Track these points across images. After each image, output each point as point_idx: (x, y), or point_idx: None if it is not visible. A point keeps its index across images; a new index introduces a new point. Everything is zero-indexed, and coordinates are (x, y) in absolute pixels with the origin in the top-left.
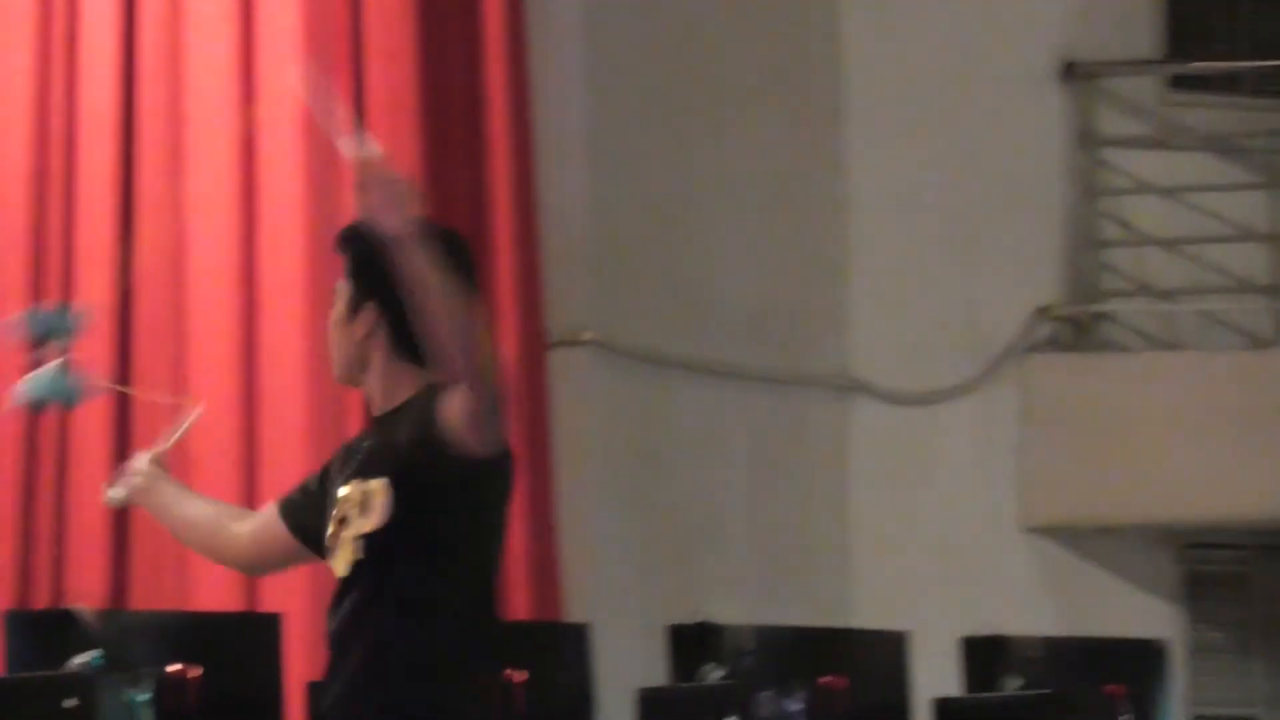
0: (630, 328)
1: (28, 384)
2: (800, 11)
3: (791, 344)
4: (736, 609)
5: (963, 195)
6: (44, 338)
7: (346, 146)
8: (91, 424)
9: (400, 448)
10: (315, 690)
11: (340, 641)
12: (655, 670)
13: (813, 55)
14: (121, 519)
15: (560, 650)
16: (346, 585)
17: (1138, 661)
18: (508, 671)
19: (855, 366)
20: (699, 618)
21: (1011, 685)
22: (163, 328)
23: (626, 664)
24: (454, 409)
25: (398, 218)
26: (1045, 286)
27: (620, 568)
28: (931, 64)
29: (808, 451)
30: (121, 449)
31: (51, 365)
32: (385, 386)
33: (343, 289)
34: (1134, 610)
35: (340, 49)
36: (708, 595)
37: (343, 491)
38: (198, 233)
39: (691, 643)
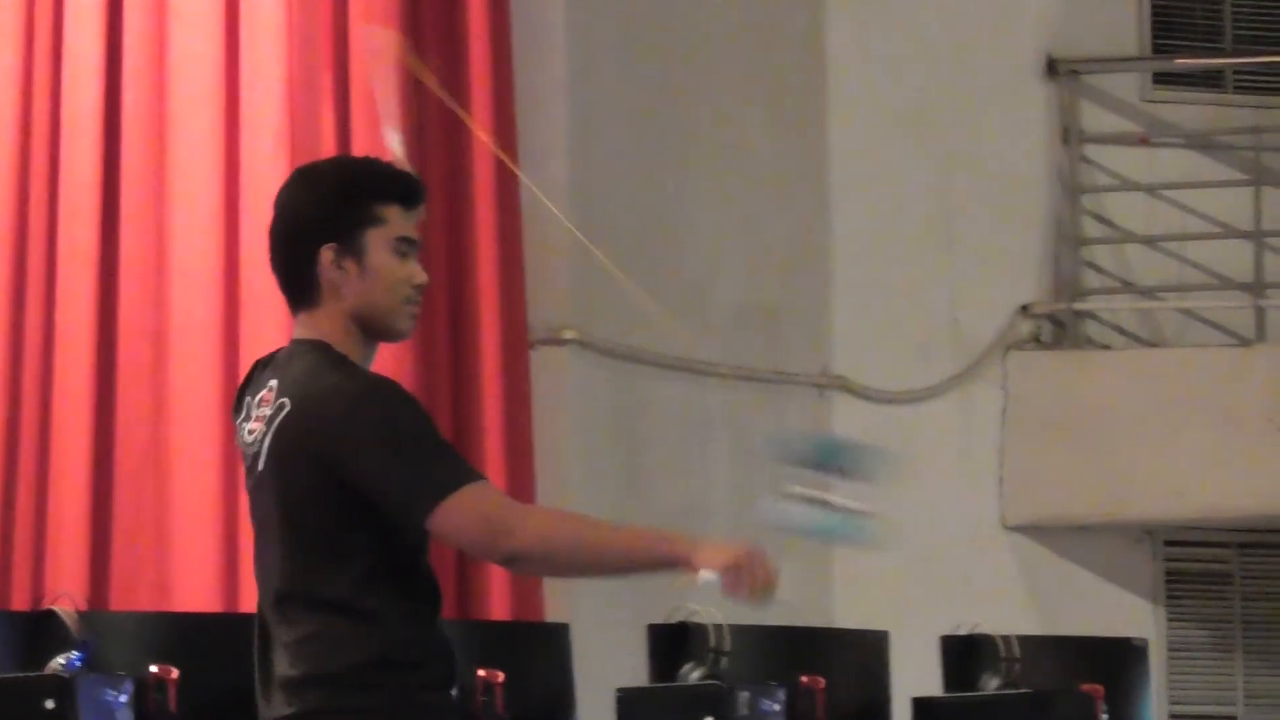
0: (611, 326)
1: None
2: (784, 8)
3: (773, 342)
4: (715, 609)
5: (945, 192)
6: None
7: None
8: (71, 423)
9: None
10: None
11: None
12: (635, 670)
13: (796, 52)
14: (102, 518)
15: (539, 650)
16: None
17: (1116, 660)
18: (487, 671)
19: (836, 364)
20: (678, 617)
21: (991, 684)
22: (143, 328)
23: (605, 664)
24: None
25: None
26: (1027, 284)
27: None
28: (914, 60)
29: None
30: (104, 448)
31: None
32: None
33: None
34: (1113, 608)
35: (324, 48)
36: (687, 595)
37: None
38: (180, 233)
39: (671, 642)
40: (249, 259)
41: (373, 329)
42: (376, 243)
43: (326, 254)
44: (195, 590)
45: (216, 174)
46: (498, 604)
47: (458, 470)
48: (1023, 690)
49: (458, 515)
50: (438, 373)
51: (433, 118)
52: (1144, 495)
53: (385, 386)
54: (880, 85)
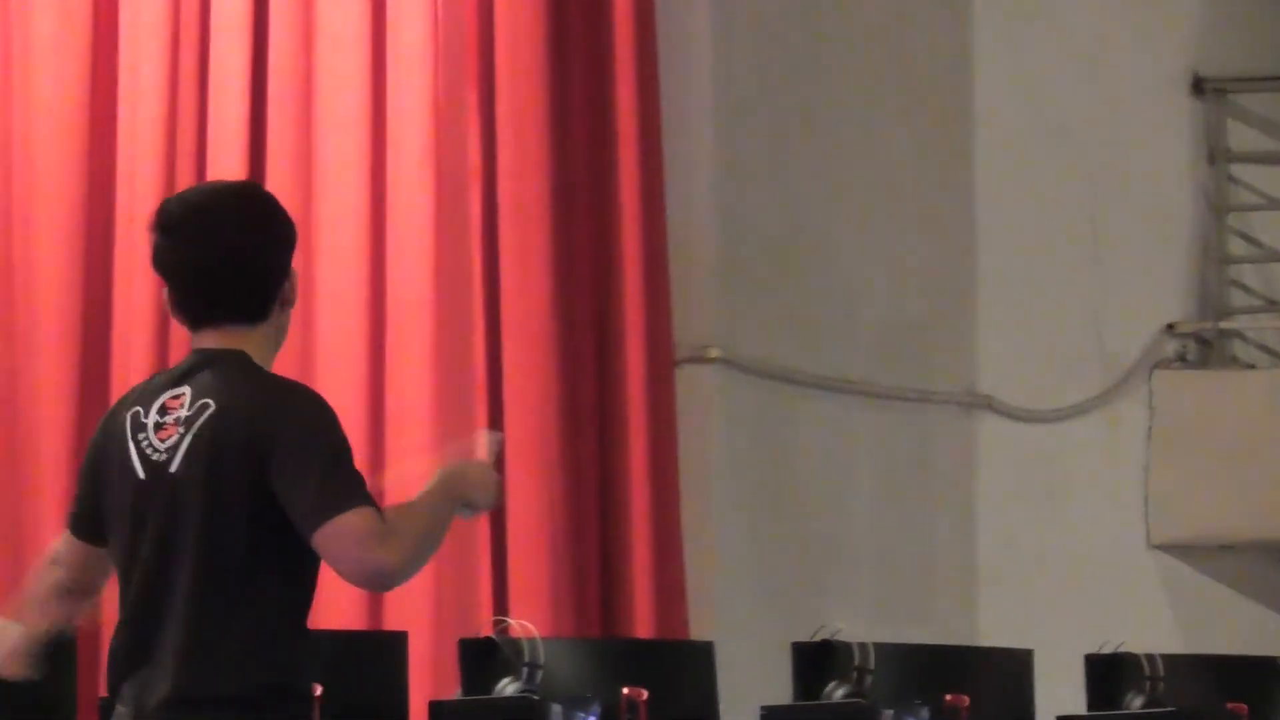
0: (756, 345)
1: None
2: (930, 26)
3: (918, 360)
4: (861, 627)
5: (1091, 210)
6: None
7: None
8: None
9: None
10: (437, 708)
11: None
12: (779, 688)
13: (943, 70)
14: None
15: (683, 669)
16: None
17: (1261, 679)
18: (631, 689)
19: (982, 383)
20: (823, 636)
21: (1135, 703)
22: (290, 349)
23: (750, 682)
24: None
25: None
26: (1173, 302)
27: (744, 586)
28: (1060, 78)
29: (934, 469)
30: None
31: None
32: None
33: None
34: (1259, 628)
35: (470, 66)
36: (832, 613)
37: None
38: (325, 254)
39: (815, 661)
40: (395, 278)
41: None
42: (291, 291)
43: (291, 280)
44: (340, 608)
45: (362, 194)
46: (641, 622)
47: (356, 493)
48: (1167, 709)
49: (345, 530)
50: (582, 391)
51: (578, 135)
52: None
53: (318, 397)
54: (1027, 104)
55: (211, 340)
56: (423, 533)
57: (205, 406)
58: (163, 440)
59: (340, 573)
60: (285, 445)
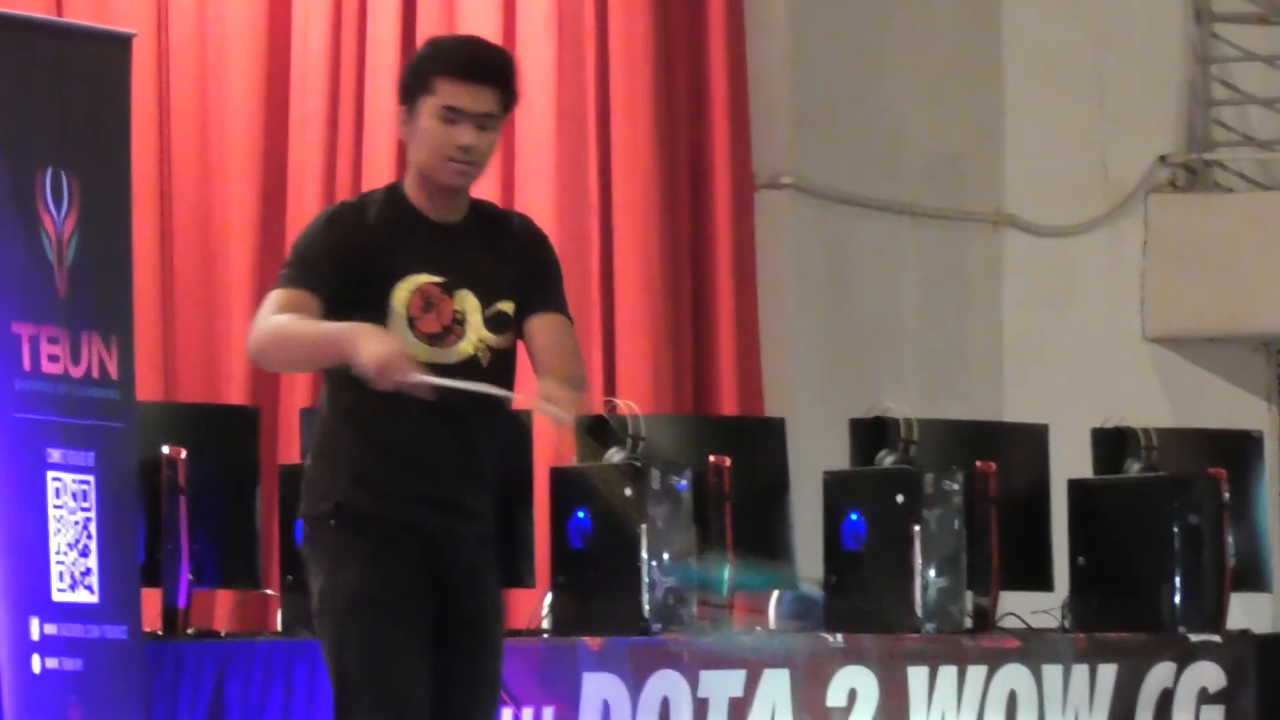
0: (822, 173)
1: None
2: None
3: (956, 185)
4: (908, 405)
5: (1099, 63)
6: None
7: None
8: None
9: (526, 282)
10: (558, 473)
11: (471, 444)
12: (838, 456)
13: None
14: None
15: (760, 441)
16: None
17: (1237, 449)
18: (716, 457)
19: (1007, 204)
20: (876, 413)
21: (1134, 469)
22: None
23: (814, 451)
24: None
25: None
26: (1166, 138)
27: (811, 373)
28: None
29: (968, 276)
30: None
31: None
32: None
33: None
34: (1235, 406)
35: None
36: (884, 394)
37: (463, 295)
38: None
39: (869, 434)
40: (522, 121)
41: (426, 179)
42: (426, 109)
43: (400, 114)
44: None
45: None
46: (726, 403)
47: (282, 277)
48: (1160, 474)
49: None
50: (679, 214)
51: (676, 6)
52: (1261, 312)
53: (323, 213)
54: None
55: None
56: (274, 341)
57: None
58: None
59: None
60: None
